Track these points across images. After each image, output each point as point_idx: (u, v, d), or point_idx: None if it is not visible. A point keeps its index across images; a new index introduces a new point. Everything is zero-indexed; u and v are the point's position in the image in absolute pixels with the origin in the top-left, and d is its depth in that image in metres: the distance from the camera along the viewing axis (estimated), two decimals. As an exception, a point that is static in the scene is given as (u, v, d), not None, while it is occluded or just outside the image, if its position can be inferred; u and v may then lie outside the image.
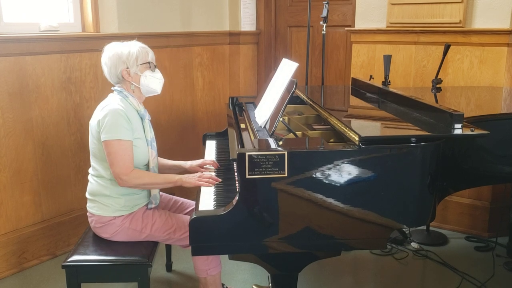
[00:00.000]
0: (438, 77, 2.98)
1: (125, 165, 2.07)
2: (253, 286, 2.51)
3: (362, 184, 1.69)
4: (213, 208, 1.87)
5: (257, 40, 4.27)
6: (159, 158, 2.45)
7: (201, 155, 2.62)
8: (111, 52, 2.17)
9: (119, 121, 2.08)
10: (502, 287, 2.68)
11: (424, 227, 3.28)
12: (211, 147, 2.75)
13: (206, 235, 1.69)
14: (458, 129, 1.82)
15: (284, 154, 1.64)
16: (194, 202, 2.46)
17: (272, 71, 2.43)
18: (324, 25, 3.30)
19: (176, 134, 3.78)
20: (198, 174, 2.18)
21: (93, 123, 2.16)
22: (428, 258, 3.01)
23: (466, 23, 3.16)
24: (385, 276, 2.85)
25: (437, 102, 2.58)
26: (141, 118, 2.22)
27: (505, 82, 3.10)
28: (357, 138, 1.71)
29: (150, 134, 2.24)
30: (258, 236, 1.69)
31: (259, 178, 1.64)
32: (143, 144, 2.20)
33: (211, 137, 2.91)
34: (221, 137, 2.89)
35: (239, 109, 2.76)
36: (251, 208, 1.67)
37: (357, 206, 1.70)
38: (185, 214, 2.41)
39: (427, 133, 1.83)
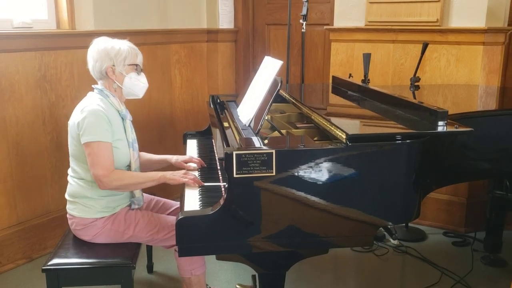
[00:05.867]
0: (416, 75, 3.02)
1: (105, 166, 2.01)
2: (237, 286, 2.49)
3: (349, 181, 1.69)
4: (199, 208, 1.84)
5: (235, 38, 4.24)
6: (143, 153, 2.41)
7: (182, 154, 2.57)
8: (100, 46, 2.12)
9: (99, 122, 2.02)
10: (480, 281, 2.73)
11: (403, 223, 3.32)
12: (192, 146, 2.72)
13: (194, 236, 1.66)
14: (442, 126, 1.84)
15: (272, 153, 1.62)
16: (176, 202, 2.44)
17: (251, 70, 2.41)
18: (304, 23, 3.30)
19: (154, 132, 3.72)
20: (183, 171, 2.14)
21: (72, 124, 2.09)
22: (408, 254, 3.04)
23: (443, 22, 3.21)
24: (366, 272, 2.88)
25: (415, 99, 2.61)
26: (123, 119, 2.17)
27: (481, 80, 3.16)
28: (344, 136, 1.71)
29: (132, 135, 2.20)
30: (247, 236, 1.67)
31: (247, 177, 1.62)
32: (124, 145, 2.14)
33: (192, 136, 2.87)
34: (202, 136, 2.85)
35: (221, 107, 2.74)
36: (239, 207, 1.65)
37: (345, 203, 1.70)
38: (168, 214, 2.37)
39: (413, 131, 1.84)
